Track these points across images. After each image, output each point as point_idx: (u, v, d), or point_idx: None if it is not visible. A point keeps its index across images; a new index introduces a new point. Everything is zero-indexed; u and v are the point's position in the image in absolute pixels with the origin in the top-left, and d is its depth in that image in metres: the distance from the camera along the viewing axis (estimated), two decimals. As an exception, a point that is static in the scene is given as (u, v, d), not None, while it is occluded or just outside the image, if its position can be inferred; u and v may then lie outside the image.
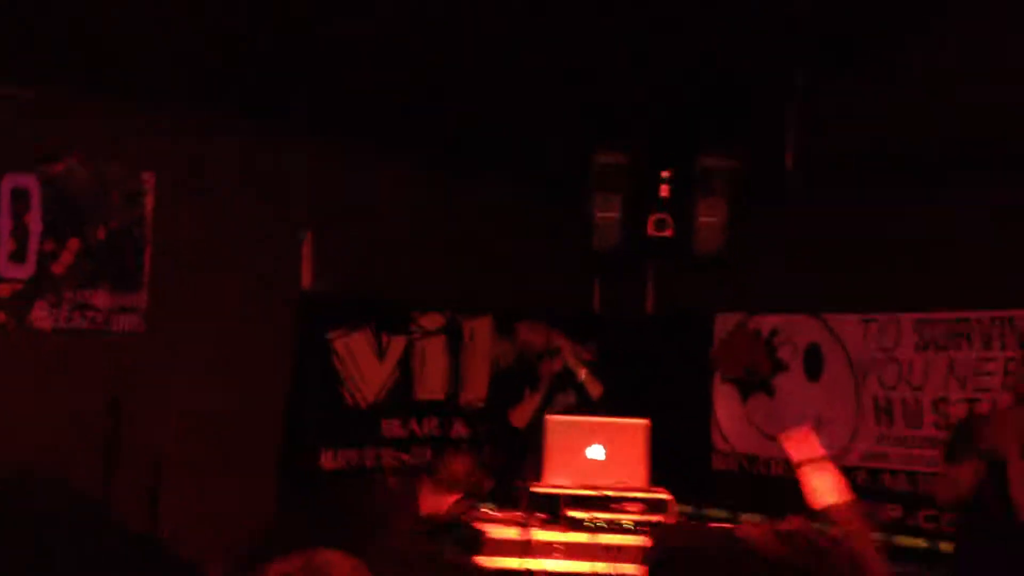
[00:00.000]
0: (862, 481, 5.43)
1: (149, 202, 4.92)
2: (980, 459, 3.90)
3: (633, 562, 4.20)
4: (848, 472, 5.41)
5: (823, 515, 2.36)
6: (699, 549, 1.87)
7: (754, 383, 6.09)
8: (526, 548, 4.34)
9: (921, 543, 4.89)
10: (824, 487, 2.43)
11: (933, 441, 5.00)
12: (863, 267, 5.54)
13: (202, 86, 4.83)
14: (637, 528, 4.37)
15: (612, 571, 4.25)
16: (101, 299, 4.77)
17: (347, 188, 5.59)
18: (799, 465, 2.50)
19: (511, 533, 4.40)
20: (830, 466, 2.52)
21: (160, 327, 4.95)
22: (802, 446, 2.58)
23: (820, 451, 2.56)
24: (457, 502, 4.22)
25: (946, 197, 5.22)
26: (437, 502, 4.20)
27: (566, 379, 5.90)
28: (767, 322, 6.06)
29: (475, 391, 6.00)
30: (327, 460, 5.36)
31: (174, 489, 4.78)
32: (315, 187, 5.48)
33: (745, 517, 5.61)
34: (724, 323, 6.30)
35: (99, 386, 4.69)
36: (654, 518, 4.44)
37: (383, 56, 4.98)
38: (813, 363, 5.80)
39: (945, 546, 4.67)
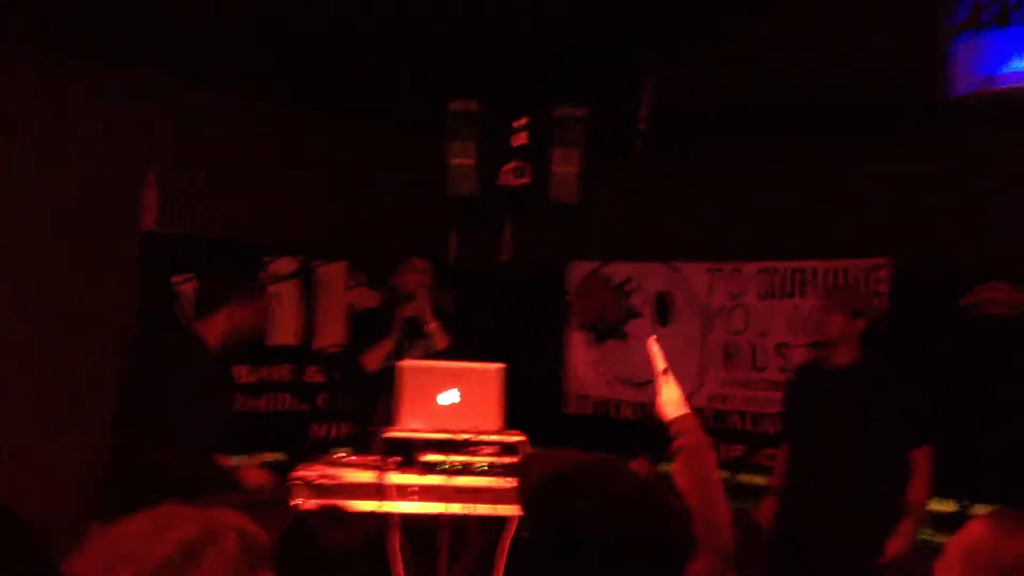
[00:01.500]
0: (708, 422, 5.63)
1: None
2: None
3: (491, 503, 4.24)
4: (697, 413, 5.65)
5: (672, 424, 2.45)
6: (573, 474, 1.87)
7: (607, 330, 6.21)
8: (381, 491, 4.32)
9: (762, 480, 5.10)
10: (676, 398, 2.53)
11: (775, 384, 5.21)
12: (712, 217, 5.70)
13: (31, 22, 4.56)
14: (491, 470, 4.40)
15: (467, 512, 4.27)
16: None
17: (196, 129, 5.39)
18: (665, 371, 2.57)
19: (366, 477, 4.37)
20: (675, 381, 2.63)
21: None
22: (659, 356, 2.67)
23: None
24: None
25: (791, 151, 5.41)
26: None
27: (419, 326, 5.90)
28: (619, 270, 6.17)
29: (330, 336, 5.92)
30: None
31: (7, 442, 4.55)
32: (161, 127, 5.26)
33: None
34: (578, 271, 6.38)
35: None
36: (507, 460, 4.48)
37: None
38: (663, 310, 5.95)
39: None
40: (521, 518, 2.02)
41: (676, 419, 2.45)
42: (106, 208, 5.10)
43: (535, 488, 1.91)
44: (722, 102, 5.53)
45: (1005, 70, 4.64)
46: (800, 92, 5.22)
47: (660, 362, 2.57)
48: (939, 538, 4.49)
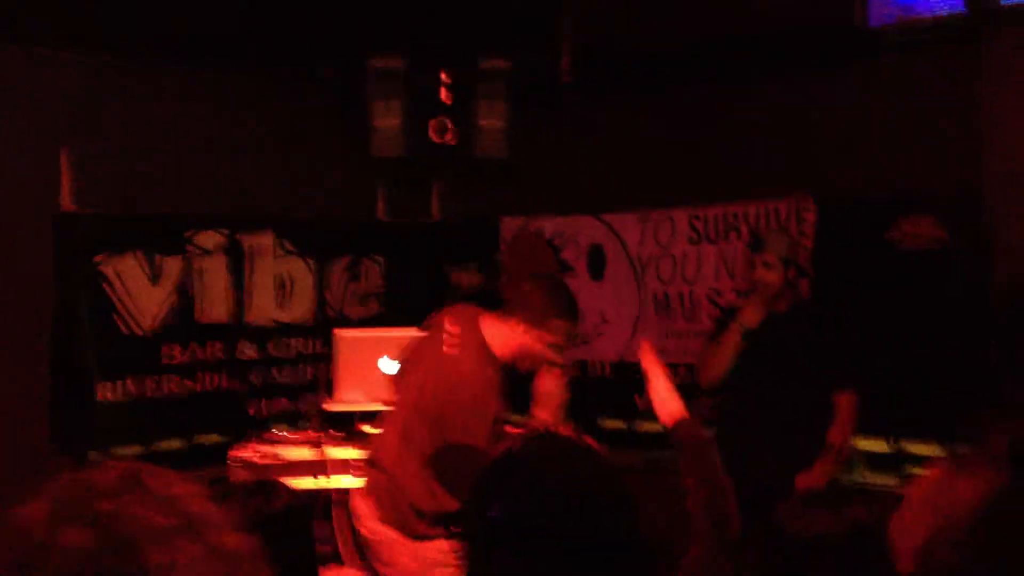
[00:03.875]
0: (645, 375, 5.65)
1: None
2: (740, 337, 4.14)
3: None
4: (630, 367, 5.67)
5: (671, 429, 2.38)
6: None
7: (540, 285, 6.17)
8: (321, 468, 4.28)
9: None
10: (672, 399, 2.45)
11: (708, 333, 5.23)
12: (640, 166, 5.67)
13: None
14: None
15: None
16: None
17: (109, 103, 5.22)
18: (655, 374, 2.50)
19: (304, 453, 4.33)
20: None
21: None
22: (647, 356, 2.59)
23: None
24: None
25: (713, 93, 5.38)
26: None
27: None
28: (550, 224, 6.13)
29: (262, 310, 5.81)
30: (104, 392, 5.08)
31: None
32: (72, 103, 5.08)
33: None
34: (509, 227, 6.33)
35: None
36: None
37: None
38: (596, 262, 5.93)
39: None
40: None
41: (677, 423, 2.40)
42: (18, 190, 4.93)
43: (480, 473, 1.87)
44: (640, 47, 5.48)
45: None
46: (719, 29, 5.19)
47: (652, 365, 2.50)
48: (873, 478, 4.57)
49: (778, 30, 4.98)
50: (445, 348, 3.34)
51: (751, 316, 4.14)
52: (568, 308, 3.46)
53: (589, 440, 2.02)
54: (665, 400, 2.44)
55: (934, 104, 4.62)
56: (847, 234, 4.91)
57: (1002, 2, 4.26)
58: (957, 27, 4.47)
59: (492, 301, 3.72)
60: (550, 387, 3.52)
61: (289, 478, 4.24)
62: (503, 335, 3.38)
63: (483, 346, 3.37)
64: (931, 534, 1.67)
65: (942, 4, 4.56)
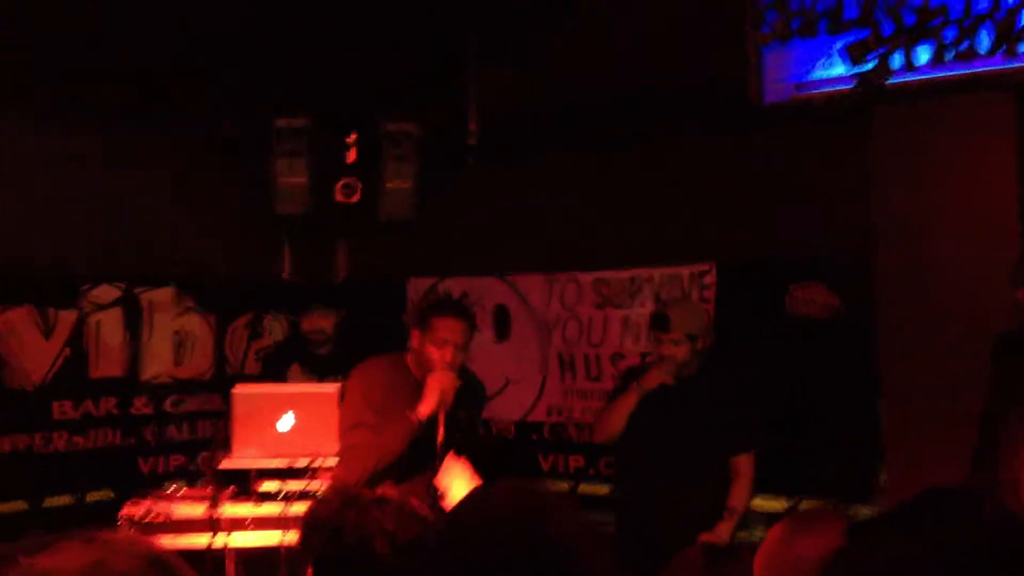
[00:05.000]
0: (548, 434, 5.67)
1: None
2: (637, 398, 4.18)
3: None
4: (534, 427, 5.69)
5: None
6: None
7: (446, 345, 6.17)
8: (215, 525, 4.16)
9: (603, 489, 5.16)
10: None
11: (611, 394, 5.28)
12: (545, 228, 5.75)
13: None
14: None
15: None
16: None
17: (12, 157, 5.10)
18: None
19: (198, 511, 4.21)
20: None
21: None
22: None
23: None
24: None
25: (617, 160, 5.51)
26: None
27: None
28: (457, 285, 6.15)
29: (159, 366, 5.68)
30: (-8, 447, 4.89)
31: None
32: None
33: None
34: (416, 288, 6.34)
35: None
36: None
37: (46, 13, 4.58)
38: (501, 323, 5.96)
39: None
40: None
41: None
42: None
43: None
44: (546, 110, 5.60)
45: (813, 77, 4.87)
46: (624, 92, 5.33)
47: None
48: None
49: (680, 98, 5.13)
50: None
51: (653, 380, 4.18)
52: (447, 306, 3.81)
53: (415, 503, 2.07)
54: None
55: (827, 174, 4.81)
56: (745, 299, 5.05)
57: (887, 81, 4.48)
58: (847, 104, 4.67)
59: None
60: (433, 382, 3.57)
61: (181, 536, 4.14)
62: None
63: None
64: None
65: (833, 82, 4.77)
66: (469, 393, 3.85)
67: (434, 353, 3.62)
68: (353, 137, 5.82)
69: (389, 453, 3.50)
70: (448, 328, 3.64)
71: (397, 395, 3.57)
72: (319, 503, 2.10)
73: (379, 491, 2.09)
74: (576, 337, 5.65)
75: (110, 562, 1.02)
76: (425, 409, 3.51)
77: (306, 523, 2.07)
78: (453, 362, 3.61)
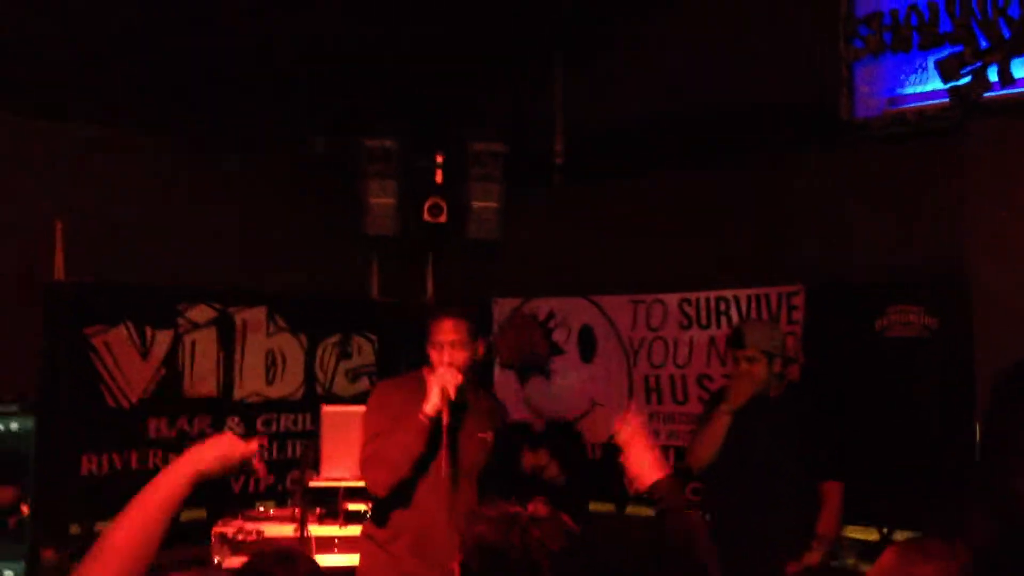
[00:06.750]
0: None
1: None
2: (728, 418, 4.12)
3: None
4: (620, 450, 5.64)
5: (649, 492, 2.40)
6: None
7: (532, 367, 6.17)
8: (304, 544, 4.22)
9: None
10: (649, 462, 2.45)
11: (698, 417, 5.21)
12: (632, 249, 5.72)
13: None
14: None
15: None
16: None
17: (107, 174, 5.28)
18: (630, 441, 2.48)
19: (287, 530, 4.28)
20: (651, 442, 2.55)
21: None
22: (627, 426, 2.58)
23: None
24: None
25: (705, 179, 5.45)
26: None
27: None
28: (542, 306, 6.15)
29: (251, 385, 5.80)
30: (89, 464, 5.04)
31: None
32: (67, 173, 5.14)
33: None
34: (502, 308, 6.35)
35: None
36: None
37: (127, 36, 4.73)
38: (587, 345, 5.94)
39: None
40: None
41: (655, 484, 2.40)
42: (11, 261, 4.95)
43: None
44: (632, 128, 5.57)
45: (905, 92, 4.76)
46: (710, 117, 5.28)
47: (625, 434, 2.48)
48: (863, 566, 4.51)
49: (769, 115, 5.07)
50: None
51: (738, 398, 4.14)
52: (439, 308, 3.91)
53: (566, 519, 2.04)
54: (643, 464, 2.43)
55: (920, 192, 4.69)
56: (837, 321, 4.92)
57: (982, 96, 4.35)
58: (941, 118, 4.56)
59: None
60: (433, 379, 3.58)
61: (270, 555, 4.21)
62: None
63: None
64: None
65: (926, 96, 4.65)
66: (490, 410, 3.90)
67: (435, 356, 3.67)
68: (440, 158, 5.88)
69: (408, 454, 3.53)
70: (442, 330, 3.68)
71: (412, 405, 3.58)
72: (477, 524, 2.07)
73: (530, 508, 2.08)
74: (661, 359, 5.60)
75: None
76: (429, 406, 3.53)
77: (466, 545, 2.06)
78: (453, 360, 3.62)
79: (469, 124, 5.85)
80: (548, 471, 5.09)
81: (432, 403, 3.52)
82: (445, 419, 3.51)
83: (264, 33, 5.00)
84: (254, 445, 2.33)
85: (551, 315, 6.12)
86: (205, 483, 5.33)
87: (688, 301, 5.51)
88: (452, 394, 3.53)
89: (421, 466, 3.57)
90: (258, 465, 2.27)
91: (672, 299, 5.57)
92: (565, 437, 5.81)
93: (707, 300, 5.43)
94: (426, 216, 5.84)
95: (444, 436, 3.50)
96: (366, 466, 3.69)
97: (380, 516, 3.75)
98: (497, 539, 1.96)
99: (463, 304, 3.91)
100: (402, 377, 4.02)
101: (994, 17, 4.34)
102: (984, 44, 4.36)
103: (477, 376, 3.90)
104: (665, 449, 5.51)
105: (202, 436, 5.48)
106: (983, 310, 4.36)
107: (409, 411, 3.58)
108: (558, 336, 6.08)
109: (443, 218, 5.84)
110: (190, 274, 5.57)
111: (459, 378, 3.58)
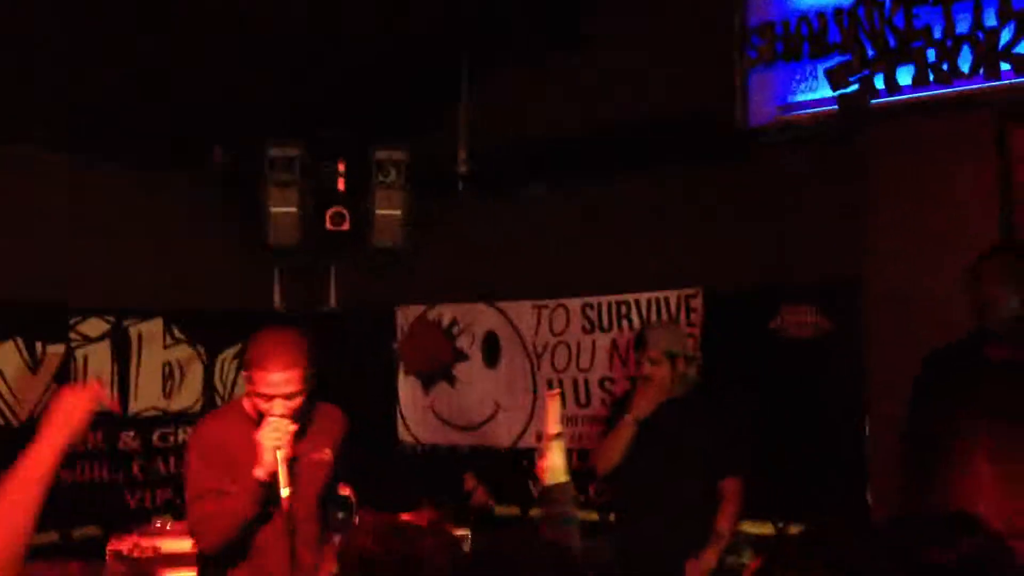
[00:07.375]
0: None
1: None
2: (633, 428, 4.17)
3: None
4: (524, 453, 5.67)
5: (547, 492, 2.40)
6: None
7: (435, 374, 6.16)
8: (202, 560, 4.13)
9: (593, 516, 5.12)
10: (561, 465, 2.45)
11: (601, 419, 5.26)
12: (534, 255, 5.75)
13: None
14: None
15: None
16: None
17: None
18: (557, 435, 2.46)
19: (185, 545, 4.18)
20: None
21: None
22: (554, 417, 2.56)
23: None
24: None
25: (605, 186, 5.52)
26: None
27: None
28: (446, 313, 6.14)
29: (147, 399, 5.66)
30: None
31: None
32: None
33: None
34: (406, 315, 6.33)
35: None
36: (338, 515, 4.37)
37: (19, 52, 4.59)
38: (491, 351, 5.95)
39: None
40: None
41: (553, 487, 2.41)
42: None
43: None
44: (535, 139, 5.61)
45: (796, 100, 4.88)
46: (611, 129, 5.35)
47: (554, 425, 2.48)
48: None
49: (668, 126, 5.15)
50: None
51: (643, 407, 4.18)
52: (268, 356, 3.19)
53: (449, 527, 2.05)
54: (555, 465, 2.45)
55: (811, 196, 4.81)
56: (733, 323, 5.04)
57: (870, 102, 4.48)
58: (831, 125, 4.68)
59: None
60: (263, 440, 3.12)
61: (169, 571, 4.12)
62: None
63: None
64: None
65: (816, 103, 4.77)
66: (323, 425, 3.45)
67: (261, 406, 3.20)
68: (343, 166, 5.84)
69: (241, 519, 3.16)
70: (268, 383, 3.16)
71: (241, 450, 3.16)
72: (360, 535, 2.02)
73: (410, 517, 2.05)
74: (565, 363, 5.64)
75: None
76: (263, 471, 3.12)
77: (345, 554, 2.01)
78: (286, 412, 3.16)
79: (372, 132, 5.81)
80: (476, 497, 5.08)
81: (266, 466, 3.11)
82: (283, 480, 3.08)
83: (165, 41, 4.89)
84: (94, 386, 2.38)
85: (455, 322, 6.12)
86: (99, 499, 5.23)
87: (590, 305, 5.57)
88: (288, 451, 3.12)
89: (258, 521, 3.20)
90: (109, 404, 2.27)
91: (575, 304, 5.63)
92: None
93: (609, 304, 5.50)
94: (328, 225, 5.78)
95: (280, 495, 3.09)
96: (195, 528, 3.29)
97: (215, 568, 3.36)
98: (378, 551, 1.94)
99: (293, 335, 3.27)
100: (222, 411, 3.64)
101: (880, 28, 4.47)
102: (871, 53, 4.49)
103: (311, 390, 3.30)
104: (568, 451, 5.55)
105: (96, 452, 5.37)
106: (874, 311, 4.49)
107: (239, 458, 3.16)
108: (462, 343, 6.08)
109: (346, 226, 5.79)
110: (85, 289, 5.42)
111: (292, 428, 3.16)
